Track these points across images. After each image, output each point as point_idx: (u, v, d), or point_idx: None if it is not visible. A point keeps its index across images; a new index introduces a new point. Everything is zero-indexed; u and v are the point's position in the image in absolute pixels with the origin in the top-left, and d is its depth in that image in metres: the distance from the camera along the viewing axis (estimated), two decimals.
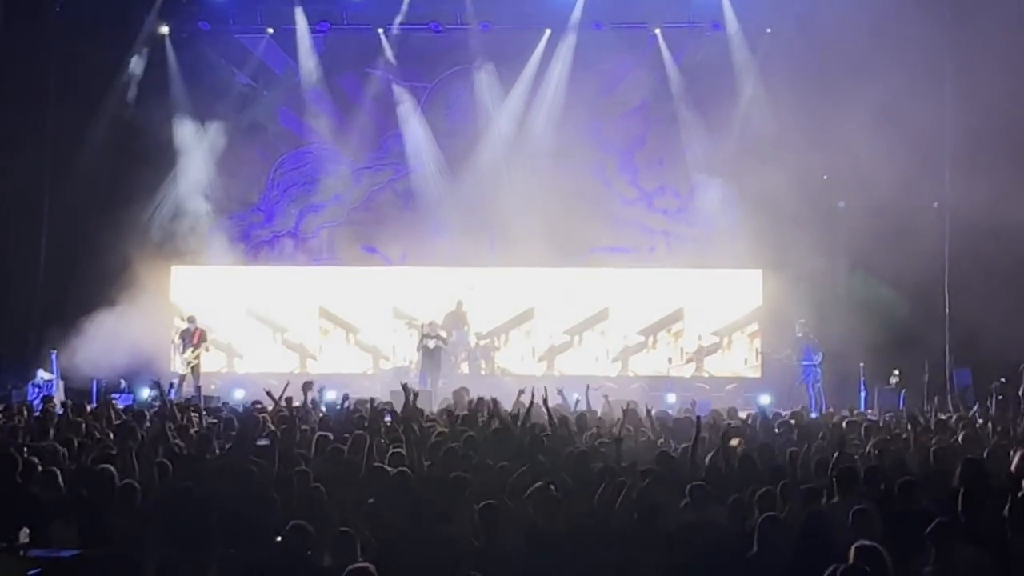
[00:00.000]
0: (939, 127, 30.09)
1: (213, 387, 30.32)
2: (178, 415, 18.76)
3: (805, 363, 30.58)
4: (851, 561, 9.32)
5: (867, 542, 9.63)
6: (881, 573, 9.33)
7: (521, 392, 19.23)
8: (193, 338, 29.97)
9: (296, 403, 18.55)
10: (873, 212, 28.17)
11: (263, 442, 15.72)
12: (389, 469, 13.13)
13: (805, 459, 14.69)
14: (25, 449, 14.66)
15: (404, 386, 18.10)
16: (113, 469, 13.09)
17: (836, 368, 28.95)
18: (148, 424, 18.14)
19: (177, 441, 15.75)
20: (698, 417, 16.75)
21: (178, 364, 29.53)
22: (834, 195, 30.45)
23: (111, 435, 16.75)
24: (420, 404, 21.20)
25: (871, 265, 29.32)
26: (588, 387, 20.71)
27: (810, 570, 9.52)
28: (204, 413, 20.44)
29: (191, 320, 30.30)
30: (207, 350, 30.47)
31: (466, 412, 18.64)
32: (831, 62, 30.03)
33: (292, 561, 10.37)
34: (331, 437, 15.55)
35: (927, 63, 29.37)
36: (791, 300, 30.61)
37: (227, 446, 15.87)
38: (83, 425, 17.68)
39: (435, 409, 22.11)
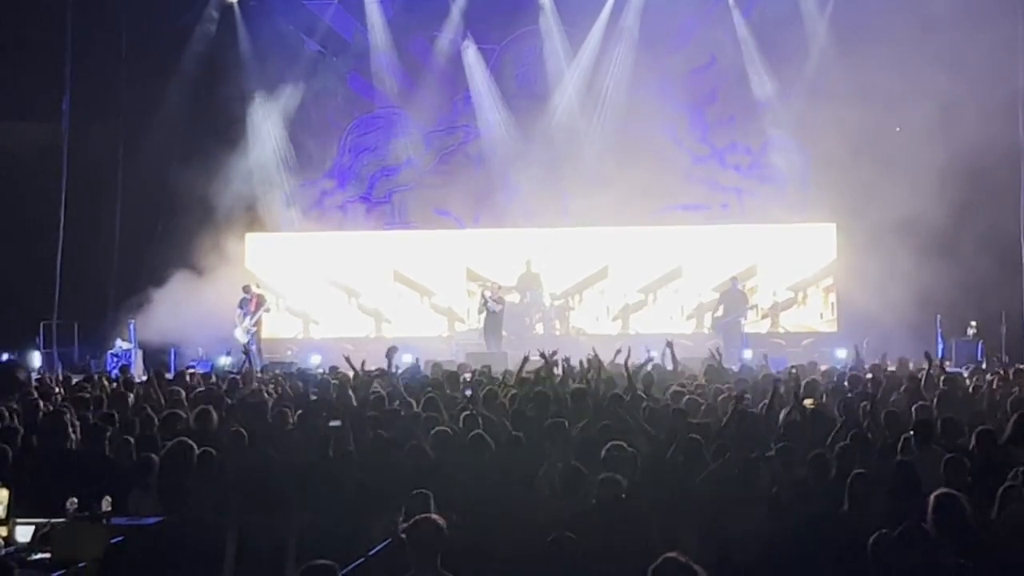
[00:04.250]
0: (1013, 74, 29.81)
1: (289, 352, 30.48)
2: (255, 383, 18.92)
3: (742, 320, 30.53)
4: (931, 511, 9.21)
5: (945, 490, 9.52)
6: (959, 521, 9.22)
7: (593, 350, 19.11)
8: (251, 305, 30.02)
9: (372, 367, 18.58)
10: (947, 163, 27.87)
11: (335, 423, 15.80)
12: (466, 432, 13.09)
13: (886, 413, 14.54)
14: (105, 418, 14.77)
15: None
16: (193, 436, 13.19)
17: (911, 320, 28.65)
18: (227, 391, 18.31)
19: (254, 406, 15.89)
20: (794, 373, 16.71)
21: (239, 334, 29.47)
22: (907, 146, 30.06)
23: (191, 403, 16.85)
24: (495, 366, 21.27)
25: (945, 217, 28.95)
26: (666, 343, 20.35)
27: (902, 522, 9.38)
28: (279, 379, 20.52)
29: (246, 289, 30.28)
30: (267, 311, 30.62)
31: (535, 374, 18.29)
32: (901, 12, 29.69)
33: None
34: (412, 402, 15.57)
35: (999, 10, 29.05)
36: (865, 253, 30.35)
37: (301, 412, 15.92)
38: (162, 393, 17.81)
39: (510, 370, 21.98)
